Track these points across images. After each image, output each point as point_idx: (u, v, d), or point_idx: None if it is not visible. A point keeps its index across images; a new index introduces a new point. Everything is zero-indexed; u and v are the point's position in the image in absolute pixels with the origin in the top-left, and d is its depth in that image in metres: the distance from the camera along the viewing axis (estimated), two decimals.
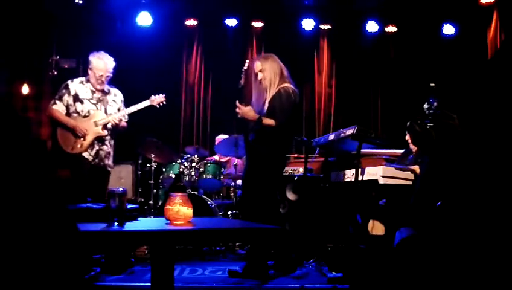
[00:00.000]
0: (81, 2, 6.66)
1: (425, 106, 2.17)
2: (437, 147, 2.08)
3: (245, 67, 4.10)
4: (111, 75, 4.34)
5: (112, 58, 4.36)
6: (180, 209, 2.19)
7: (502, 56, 1.64)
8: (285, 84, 4.00)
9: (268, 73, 4.02)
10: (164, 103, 4.60)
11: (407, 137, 4.44)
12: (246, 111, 3.88)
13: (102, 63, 4.28)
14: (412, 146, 4.44)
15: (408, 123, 2.70)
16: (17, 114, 1.32)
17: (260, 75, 4.04)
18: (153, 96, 4.57)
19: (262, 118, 3.87)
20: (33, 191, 1.25)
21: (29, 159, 1.30)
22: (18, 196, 1.22)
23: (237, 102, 3.89)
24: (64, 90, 4.27)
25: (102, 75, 4.27)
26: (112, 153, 4.39)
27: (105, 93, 4.36)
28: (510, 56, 1.59)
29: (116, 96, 4.45)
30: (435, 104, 2.12)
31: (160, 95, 4.58)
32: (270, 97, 3.99)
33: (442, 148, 2.05)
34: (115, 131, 4.37)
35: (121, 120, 4.34)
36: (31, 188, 1.25)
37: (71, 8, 6.64)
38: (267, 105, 3.99)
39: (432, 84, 2.35)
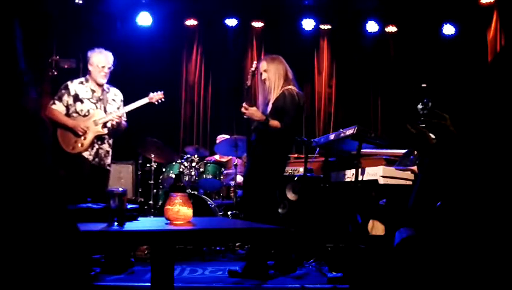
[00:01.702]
0: (81, 2, 6.66)
1: (419, 106, 2.16)
2: (437, 147, 2.08)
3: (252, 69, 4.11)
4: (112, 67, 4.35)
5: (110, 52, 4.38)
6: (180, 209, 2.19)
7: (501, 58, 1.64)
8: (289, 87, 4.01)
9: (272, 74, 4.03)
10: (163, 99, 4.61)
11: None
12: (253, 111, 3.89)
13: (102, 55, 4.31)
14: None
15: (402, 126, 2.70)
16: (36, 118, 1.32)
17: (264, 75, 4.06)
18: (151, 93, 4.58)
19: (269, 120, 3.88)
20: (33, 191, 1.25)
21: (30, 159, 1.30)
22: (18, 195, 1.22)
23: (244, 103, 3.90)
24: (63, 91, 4.28)
25: (104, 66, 4.28)
26: (110, 152, 4.39)
27: (105, 91, 4.37)
28: (509, 58, 1.59)
29: (116, 95, 4.46)
30: (430, 104, 2.11)
31: (159, 92, 4.59)
32: (273, 99, 4.00)
33: (440, 149, 2.04)
34: (116, 131, 4.37)
35: (121, 118, 4.34)
36: (31, 187, 1.25)
37: (71, 8, 6.65)
38: (270, 106, 4.01)
39: (424, 85, 2.34)
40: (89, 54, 4.34)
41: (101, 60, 4.29)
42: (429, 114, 2.03)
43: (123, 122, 4.39)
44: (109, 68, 4.32)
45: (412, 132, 2.12)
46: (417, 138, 2.12)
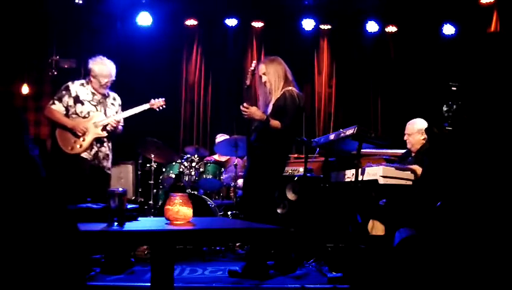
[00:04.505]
0: (81, 2, 6.66)
1: (444, 108, 2.16)
2: (443, 148, 2.09)
3: (252, 68, 4.11)
4: (114, 79, 4.33)
5: (112, 62, 4.35)
6: (180, 209, 2.19)
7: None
8: (290, 88, 4.01)
9: (272, 76, 4.03)
10: (164, 106, 4.60)
11: (406, 137, 4.44)
12: (254, 111, 3.89)
13: (106, 69, 4.26)
14: (409, 146, 4.44)
15: (427, 125, 2.71)
16: (17, 115, 1.32)
17: (264, 78, 4.06)
18: (152, 100, 4.56)
19: (270, 119, 3.87)
20: (33, 191, 1.25)
21: (29, 159, 1.30)
22: (18, 195, 1.22)
23: (245, 103, 3.89)
24: (64, 92, 4.26)
25: (107, 81, 4.27)
26: (110, 156, 4.38)
27: (105, 96, 4.36)
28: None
29: (115, 100, 4.45)
30: (454, 107, 2.12)
31: (160, 99, 4.57)
32: (274, 100, 4.00)
33: (447, 150, 2.05)
34: (112, 134, 4.37)
35: (119, 122, 4.34)
36: (31, 188, 1.25)
37: (71, 8, 6.64)
38: (271, 107, 4.00)
39: (454, 88, 2.33)
40: (91, 64, 4.28)
41: (104, 73, 4.24)
42: (456, 118, 2.04)
43: (119, 127, 4.38)
44: (111, 80, 4.30)
45: (435, 133, 2.13)
46: (440, 138, 2.13)
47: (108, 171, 4.36)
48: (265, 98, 4.11)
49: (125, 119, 4.47)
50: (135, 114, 4.46)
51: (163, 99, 4.59)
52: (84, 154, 4.21)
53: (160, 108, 4.59)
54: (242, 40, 7.58)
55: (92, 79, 4.28)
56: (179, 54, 7.52)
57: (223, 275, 3.96)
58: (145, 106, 4.51)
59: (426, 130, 2.94)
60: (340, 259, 3.93)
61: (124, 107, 4.50)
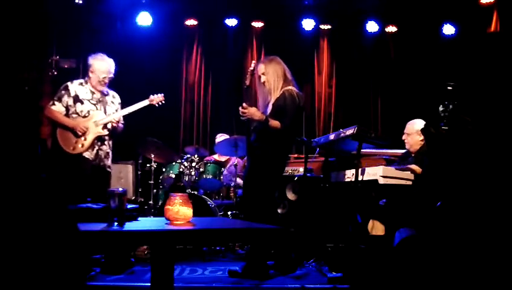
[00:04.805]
0: (81, 2, 6.66)
1: (441, 108, 2.16)
2: (439, 148, 2.09)
3: (251, 68, 4.10)
4: (113, 76, 4.34)
5: (112, 60, 4.36)
6: (180, 209, 2.20)
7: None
8: (289, 87, 4.01)
9: (271, 76, 4.03)
10: (163, 102, 4.60)
11: (404, 137, 4.44)
12: (253, 112, 3.89)
13: (105, 65, 4.28)
14: (407, 147, 4.44)
15: (423, 125, 2.70)
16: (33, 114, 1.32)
17: (263, 78, 4.06)
18: (151, 95, 4.57)
19: (269, 120, 3.87)
20: (33, 191, 1.25)
21: (29, 158, 1.30)
22: (18, 195, 1.22)
23: (244, 103, 3.89)
24: (63, 92, 4.26)
25: (105, 77, 4.27)
26: (110, 154, 4.39)
27: (104, 94, 4.37)
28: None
29: (114, 98, 4.45)
30: (450, 107, 2.11)
31: (159, 94, 4.58)
32: (273, 99, 4.00)
33: (444, 150, 2.05)
34: (113, 133, 4.37)
35: (119, 120, 4.34)
36: (31, 187, 1.25)
37: (71, 8, 6.64)
38: (270, 107, 4.00)
39: (450, 87, 2.32)
40: (91, 60, 4.30)
41: (103, 69, 4.26)
42: (452, 118, 2.04)
43: (120, 125, 4.39)
44: (110, 78, 4.31)
45: (432, 132, 2.14)
46: (436, 138, 2.13)
47: (109, 169, 4.37)
48: (264, 98, 4.11)
49: (126, 118, 4.47)
50: (135, 112, 4.46)
51: (162, 94, 4.60)
52: (86, 154, 4.21)
53: (160, 103, 4.59)
54: (242, 40, 7.59)
55: (90, 75, 4.29)
56: (179, 54, 7.52)
57: (223, 275, 3.96)
58: (145, 102, 4.51)
59: (422, 130, 2.94)
60: (340, 259, 3.93)
61: (124, 107, 4.50)
